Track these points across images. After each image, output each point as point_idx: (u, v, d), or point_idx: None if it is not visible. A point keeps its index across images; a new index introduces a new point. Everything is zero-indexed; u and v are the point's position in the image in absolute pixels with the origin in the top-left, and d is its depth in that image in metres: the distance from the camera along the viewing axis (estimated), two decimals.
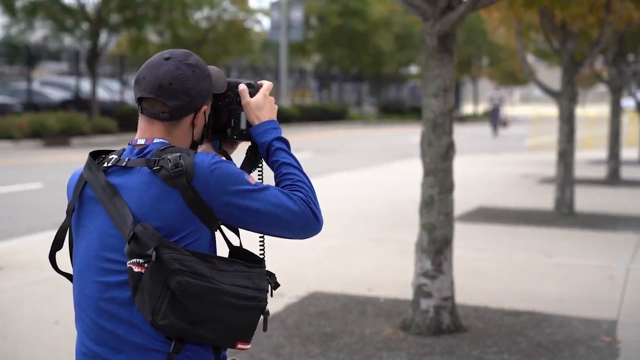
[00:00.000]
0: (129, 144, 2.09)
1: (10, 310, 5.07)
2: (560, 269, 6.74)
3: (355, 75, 41.82)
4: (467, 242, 7.75)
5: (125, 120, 23.68)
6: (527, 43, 19.31)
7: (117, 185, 2.01)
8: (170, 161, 1.97)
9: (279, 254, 7.03)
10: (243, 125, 2.21)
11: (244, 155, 2.24)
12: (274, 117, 2.22)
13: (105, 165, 2.05)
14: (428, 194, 4.82)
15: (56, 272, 2.15)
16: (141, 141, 2.07)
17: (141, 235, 1.92)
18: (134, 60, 28.49)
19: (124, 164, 2.03)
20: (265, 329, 2.10)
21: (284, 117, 31.76)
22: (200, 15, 27.45)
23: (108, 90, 27.65)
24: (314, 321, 5.05)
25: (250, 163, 2.23)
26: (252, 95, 2.21)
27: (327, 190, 11.70)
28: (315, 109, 34.76)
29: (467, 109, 54.70)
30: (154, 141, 2.06)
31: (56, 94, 25.72)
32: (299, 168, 2.15)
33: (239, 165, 2.17)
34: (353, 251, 7.30)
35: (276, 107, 2.25)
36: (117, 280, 1.98)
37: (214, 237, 2.07)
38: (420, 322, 4.80)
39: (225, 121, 2.21)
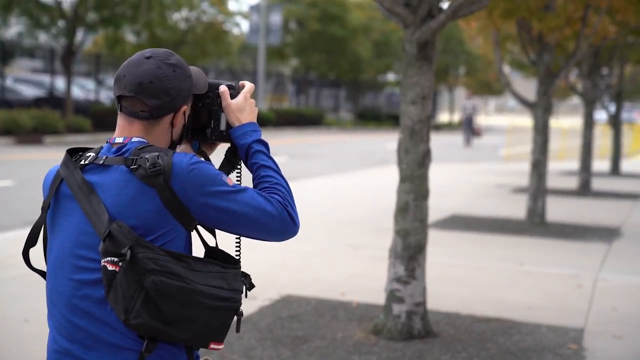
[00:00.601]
0: (107, 142, 2.09)
1: None
2: (530, 277, 6.81)
3: (332, 81, 41.90)
4: (440, 249, 7.80)
5: (99, 120, 23.54)
6: (503, 54, 19.50)
7: (94, 184, 2.01)
8: (148, 160, 1.97)
9: (253, 257, 7.02)
10: (223, 127, 2.21)
11: (223, 157, 2.25)
12: (254, 119, 2.22)
13: (82, 162, 2.04)
14: (403, 200, 4.85)
15: (29, 269, 2.14)
16: (119, 139, 2.07)
17: (116, 233, 1.91)
18: (110, 60, 28.34)
19: (101, 162, 2.02)
20: (238, 329, 2.11)
21: (260, 121, 31.73)
22: (178, 17, 27.37)
23: (83, 89, 27.47)
24: (286, 324, 5.06)
25: (229, 164, 2.23)
26: (233, 97, 2.20)
27: (302, 195, 11.72)
28: (292, 113, 34.77)
29: (443, 117, 54.99)
30: (132, 140, 2.06)
31: (30, 91, 25.49)
32: (278, 171, 2.16)
33: (217, 166, 2.17)
34: (328, 256, 7.32)
35: (256, 109, 2.25)
36: (91, 278, 1.97)
37: (190, 237, 2.07)
38: (392, 327, 4.83)
39: (205, 122, 2.21)
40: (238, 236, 2.21)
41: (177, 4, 25.96)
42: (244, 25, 33.48)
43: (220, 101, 2.19)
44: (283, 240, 2.11)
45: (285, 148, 22.67)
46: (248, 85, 2.24)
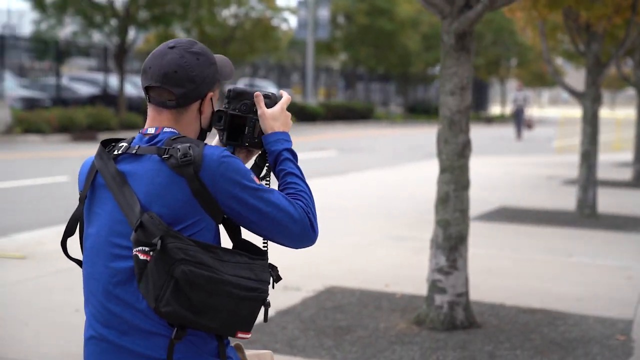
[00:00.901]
0: (139, 133, 2.15)
1: (32, 298, 5.18)
2: (579, 268, 6.74)
3: (382, 75, 41.82)
4: (487, 241, 7.77)
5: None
6: (554, 44, 19.21)
7: (127, 173, 2.07)
8: (179, 150, 2.02)
9: (295, 250, 7.10)
10: (256, 134, 2.27)
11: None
12: (288, 130, 2.27)
13: (115, 152, 2.10)
14: (444, 191, 4.86)
15: (68, 259, 2.22)
16: (151, 130, 2.13)
17: (148, 224, 1.97)
18: None
19: (134, 151, 2.08)
20: (266, 319, 2.13)
21: (310, 115, 31.87)
22: (227, 13, 27.60)
23: (136, 86, 27.92)
24: (329, 315, 5.10)
25: (258, 170, 2.29)
26: (269, 106, 2.27)
27: (349, 188, 11.77)
28: (342, 107, 34.81)
29: (495, 110, 54.44)
30: (164, 130, 2.11)
31: (85, 90, 26.00)
32: (303, 179, 2.21)
33: None
34: (373, 248, 7.35)
35: (291, 123, 2.30)
36: (126, 266, 2.03)
37: (219, 230, 2.11)
38: (434, 318, 4.84)
39: (240, 128, 2.27)
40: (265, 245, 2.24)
41: (226, 0, 26.18)
42: (292, 21, 33.58)
43: (256, 109, 2.25)
44: (301, 246, 2.15)
45: (335, 142, 22.72)
46: (285, 97, 2.29)
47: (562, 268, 6.74)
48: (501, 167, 15.86)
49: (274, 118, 2.24)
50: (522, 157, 19.46)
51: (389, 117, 38.26)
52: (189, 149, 2.03)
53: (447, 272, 4.84)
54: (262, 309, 2.09)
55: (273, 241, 2.13)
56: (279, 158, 2.21)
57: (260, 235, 2.13)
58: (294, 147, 2.26)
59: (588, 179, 9.44)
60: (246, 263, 2.04)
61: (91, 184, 2.13)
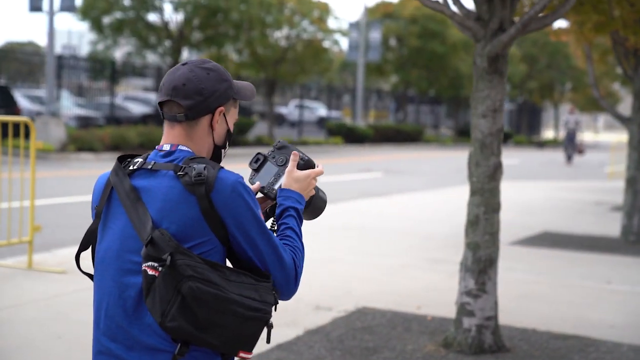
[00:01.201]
0: (155, 149, 2.20)
1: (69, 312, 5.30)
2: (617, 295, 6.63)
3: (432, 98, 41.72)
4: (525, 266, 7.70)
5: None
6: (606, 68, 18.99)
7: (141, 188, 2.12)
8: (194, 169, 2.07)
9: (333, 269, 7.14)
10: (276, 186, 2.34)
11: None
12: (306, 196, 2.33)
13: (131, 168, 2.15)
14: (474, 214, 4.85)
15: (80, 272, 2.28)
16: (166, 147, 2.18)
17: (158, 240, 2.01)
18: None
19: (149, 166, 2.13)
20: (268, 340, 2.16)
21: (359, 137, 31.93)
22: (279, 35, 27.90)
23: None
24: (357, 335, 5.12)
25: (265, 218, 2.35)
26: (300, 167, 2.34)
27: (389, 210, 11.76)
28: (391, 129, 34.80)
29: (548, 134, 53.81)
30: (180, 148, 2.16)
31: (137, 109, 26.55)
32: (301, 239, 2.26)
33: None
34: (407, 270, 7.34)
35: (312, 192, 2.36)
36: (135, 281, 2.08)
37: (225, 253, 2.15)
38: (462, 341, 4.82)
39: (265, 174, 2.36)
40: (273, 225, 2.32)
41: (278, 22, 26.49)
42: (344, 43, 33.77)
43: (287, 164, 2.33)
44: (279, 295, 2.16)
45: (382, 164, 22.72)
46: (318, 169, 2.36)
47: (600, 295, 6.64)
48: (549, 192, 15.67)
49: (296, 179, 2.31)
50: (572, 182, 19.20)
51: (438, 139, 38.11)
52: (204, 169, 2.08)
53: (476, 295, 4.83)
54: (265, 330, 2.11)
55: (254, 280, 2.13)
56: (284, 212, 2.27)
57: (247, 268, 2.15)
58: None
59: (633, 205, 9.29)
60: (251, 284, 2.07)
61: (107, 199, 2.18)
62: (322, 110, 38.23)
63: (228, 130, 2.26)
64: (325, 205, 2.46)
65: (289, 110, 38.09)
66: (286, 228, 2.25)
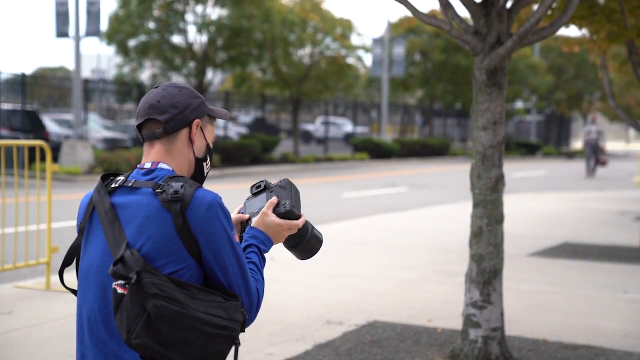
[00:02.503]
0: (137, 168, 2.29)
1: None
2: (632, 305, 6.60)
3: (459, 111, 41.64)
4: (542, 277, 7.69)
5: (227, 154, 24.43)
6: (629, 78, 18.86)
7: (120, 204, 2.20)
8: (172, 187, 2.15)
9: (345, 284, 7.19)
10: (251, 221, 2.43)
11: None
12: (274, 242, 2.41)
13: (112, 186, 2.24)
14: (477, 225, 4.88)
15: (64, 287, 2.36)
16: (147, 165, 2.26)
17: (128, 259, 2.08)
18: (237, 97, 29.42)
19: (130, 184, 2.22)
20: (235, 358, 2.19)
21: (385, 152, 31.94)
22: (302, 53, 28.09)
23: (215, 126, 28.60)
24: (366, 348, 5.16)
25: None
26: (280, 215, 2.39)
27: (409, 224, 11.78)
28: (417, 143, 34.78)
29: (577, 144, 53.34)
30: (160, 166, 2.25)
31: None
32: (261, 271, 2.32)
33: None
34: (422, 283, 7.36)
35: (282, 239, 2.43)
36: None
37: (199, 272, 2.20)
38: (469, 352, 4.84)
39: (255, 203, 2.45)
40: None
41: (301, 40, 26.69)
42: (368, 59, 33.88)
43: (266, 206, 2.40)
44: (238, 321, 2.17)
45: (407, 178, 22.72)
46: (296, 222, 2.41)
47: (615, 304, 6.61)
48: (574, 203, 15.57)
49: (266, 225, 2.38)
50: (599, 192, 19.04)
51: (465, 153, 37.97)
52: (181, 187, 2.15)
53: (481, 306, 4.85)
54: (233, 349, 2.16)
55: (216, 301, 2.17)
56: (248, 248, 2.35)
57: (214, 287, 2.20)
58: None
59: None
60: (219, 302, 2.13)
61: (89, 216, 2.27)
62: (348, 126, 38.33)
63: (207, 145, 2.34)
64: (320, 245, 2.50)
65: (316, 127, 38.25)
66: (249, 262, 2.31)
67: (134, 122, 24.76)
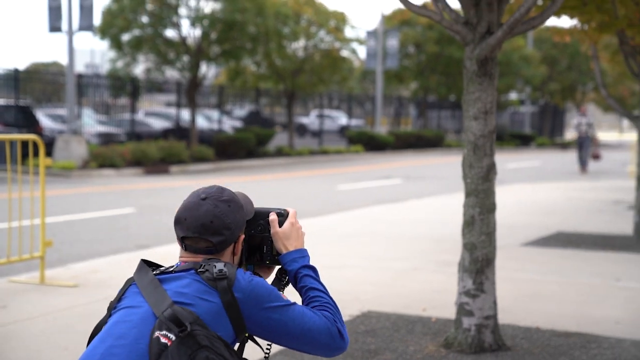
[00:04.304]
0: (177, 264, 2.30)
1: (77, 324, 5.42)
2: (625, 292, 6.64)
3: (453, 103, 41.67)
4: (536, 266, 7.72)
5: (222, 148, 24.44)
6: (621, 68, 18.87)
7: (163, 280, 2.21)
8: (215, 267, 2.19)
9: (339, 275, 7.21)
10: (275, 251, 2.43)
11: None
12: (301, 245, 2.43)
13: (154, 272, 2.25)
14: (469, 214, 4.91)
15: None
16: (189, 260, 2.29)
17: (178, 311, 2.09)
18: (232, 91, 29.42)
19: (171, 269, 2.24)
20: None
21: (379, 144, 31.96)
22: (296, 46, 28.07)
23: (207, 120, 28.61)
24: (360, 338, 5.19)
25: (279, 282, 2.45)
26: (281, 223, 2.42)
27: (403, 215, 11.81)
28: (411, 136, 34.80)
29: (571, 135, 53.43)
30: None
31: (158, 124, 26.83)
32: (325, 292, 2.35)
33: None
34: (416, 273, 7.39)
35: (304, 234, 2.45)
36: None
37: (234, 344, 2.24)
38: (462, 340, 4.87)
39: (257, 247, 2.43)
40: (268, 349, 2.42)
41: (294, 33, 26.66)
42: (362, 52, 33.87)
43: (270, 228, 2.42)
44: (332, 355, 2.26)
45: (402, 170, 22.75)
46: (291, 212, 2.45)
47: (607, 292, 6.65)
48: (568, 192, 15.62)
49: (286, 237, 2.40)
50: (592, 182, 19.10)
51: (460, 144, 38.00)
52: (224, 266, 2.20)
53: (474, 295, 4.88)
54: None
55: (305, 352, 2.27)
56: (297, 276, 2.37)
57: (291, 348, 2.27)
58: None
59: None
60: None
61: (123, 293, 2.25)
62: (343, 119, 38.34)
63: (242, 249, 2.38)
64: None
65: (310, 120, 38.25)
66: (307, 290, 2.34)
67: (128, 116, 24.91)
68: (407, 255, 8.31)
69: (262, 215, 2.41)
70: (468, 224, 4.92)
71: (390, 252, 8.47)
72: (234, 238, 2.29)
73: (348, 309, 5.93)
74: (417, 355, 4.84)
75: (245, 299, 2.17)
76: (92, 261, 7.76)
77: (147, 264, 2.28)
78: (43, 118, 22.96)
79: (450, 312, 5.80)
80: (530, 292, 6.60)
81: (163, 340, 2.05)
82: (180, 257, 2.31)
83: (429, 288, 6.74)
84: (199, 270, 2.18)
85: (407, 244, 9.08)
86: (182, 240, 2.28)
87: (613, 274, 7.39)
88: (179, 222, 2.27)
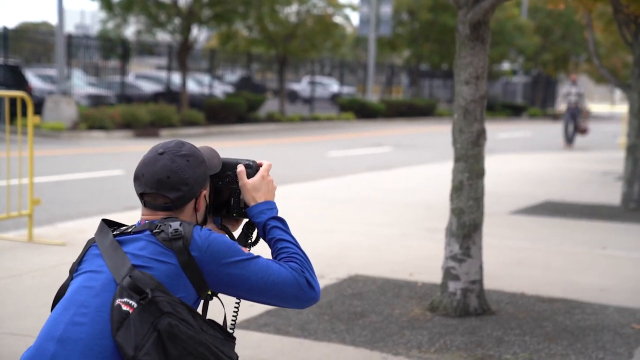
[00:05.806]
0: (137, 222, 2.27)
1: (62, 281, 5.43)
2: (610, 260, 6.69)
3: (446, 72, 41.54)
4: (523, 234, 7.76)
5: (212, 113, 24.34)
6: (614, 38, 18.84)
7: (122, 242, 2.18)
8: (170, 226, 2.15)
9: (328, 240, 7.23)
10: (242, 204, 2.37)
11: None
12: (271, 197, 2.37)
13: (114, 233, 2.21)
14: (458, 180, 4.92)
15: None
16: (150, 218, 2.24)
17: (138, 277, 2.06)
18: (223, 55, 29.21)
19: (129, 230, 2.20)
20: None
21: (371, 112, 31.90)
22: (289, 10, 27.86)
23: (200, 84, 28.44)
24: (346, 301, 5.22)
25: (245, 238, 2.41)
26: (250, 175, 2.37)
27: (393, 182, 11.83)
28: (403, 104, 34.73)
29: (563, 106, 53.44)
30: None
31: (149, 87, 26.66)
32: (294, 242, 2.30)
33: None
34: (405, 239, 7.42)
35: (275, 187, 2.40)
36: (80, 329, 2.06)
37: (197, 302, 2.22)
38: (448, 304, 4.91)
39: (225, 199, 2.38)
40: (236, 307, 2.39)
41: None
42: (355, 18, 33.67)
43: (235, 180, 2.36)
44: (303, 306, 2.22)
45: (393, 139, 22.74)
46: (265, 164, 2.40)
47: (593, 260, 6.70)
48: (558, 163, 15.67)
49: (255, 189, 2.35)
50: (581, 153, 19.16)
51: (451, 113, 37.94)
52: (180, 225, 2.15)
53: (461, 259, 4.90)
54: None
55: (274, 305, 2.23)
56: (266, 228, 2.32)
57: (260, 302, 2.23)
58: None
59: (634, 173, 9.31)
60: (219, 338, 2.13)
61: (83, 255, 2.22)
62: (334, 86, 38.19)
63: (207, 205, 2.32)
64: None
65: (302, 86, 38.07)
66: (276, 241, 2.30)
67: (118, 78, 24.75)
68: (397, 221, 8.33)
69: (230, 167, 2.36)
70: (457, 189, 4.93)
71: (380, 218, 8.49)
72: (194, 194, 2.23)
73: (336, 273, 5.95)
74: (402, 318, 4.88)
75: (203, 257, 2.12)
76: (80, 221, 7.76)
77: (107, 224, 2.24)
78: (32, 78, 22.78)
79: (437, 278, 5.83)
80: (517, 259, 6.64)
81: (125, 307, 2.02)
82: (142, 214, 2.26)
83: (417, 254, 6.77)
84: (154, 230, 2.14)
85: (397, 210, 9.11)
86: (141, 196, 2.24)
87: (599, 242, 7.44)
88: (137, 178, 2.23)
